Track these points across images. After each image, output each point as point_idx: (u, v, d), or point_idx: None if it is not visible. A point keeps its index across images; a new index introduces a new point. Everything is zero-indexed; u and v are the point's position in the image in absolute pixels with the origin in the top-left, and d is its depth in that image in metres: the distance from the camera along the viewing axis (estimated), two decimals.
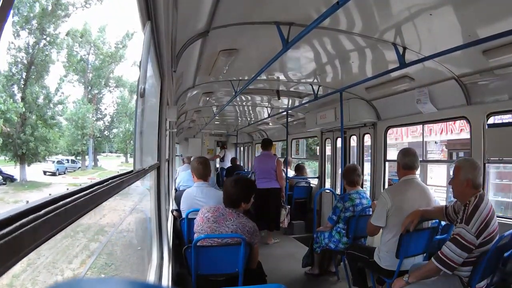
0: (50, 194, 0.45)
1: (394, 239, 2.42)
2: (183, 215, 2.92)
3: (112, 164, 37.50)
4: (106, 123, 36.86)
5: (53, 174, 27.07)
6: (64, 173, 28.64)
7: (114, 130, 37.56)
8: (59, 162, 29.39)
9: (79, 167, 32.47)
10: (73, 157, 32.92)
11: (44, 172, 26.25)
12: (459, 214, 2.06)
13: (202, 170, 3.06)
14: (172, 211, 3.54)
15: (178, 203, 3.57)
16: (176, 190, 5.09)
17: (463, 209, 2.01)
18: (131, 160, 38.67)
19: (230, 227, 2.15)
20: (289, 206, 5.27)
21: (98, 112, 36.15)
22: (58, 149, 29.27)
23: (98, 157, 38.02)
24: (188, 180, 4.86)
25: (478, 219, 1.90)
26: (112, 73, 35.69)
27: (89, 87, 34.49)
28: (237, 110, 7.27)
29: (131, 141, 36.03)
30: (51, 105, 26.20)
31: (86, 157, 33.78)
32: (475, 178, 2.02)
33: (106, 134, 36.61)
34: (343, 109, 4.09)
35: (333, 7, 1.77)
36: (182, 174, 5.38)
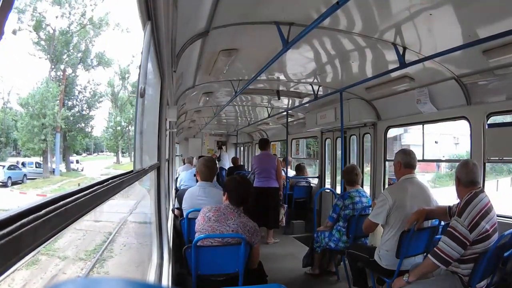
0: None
1: (394, 238, 2.43)
2: (184, 214, 2.92)
3: (99, 166, 29.44)
4: (83, 112, 26.63)
5: (4, 185, 18.57)
6: (22, 182, 20.48)
7: (95, 124, 27.65)
8: (12, 167, 20.52)
9: (49, 172, 23.29)
10: (38, 159, 23.49)
11: None
12: None
13: (208, 174, 3.07)
14: (172, 210, 3.53)
15: (180, 201, 3.57)
16: (176, 190, 5.09)
17: (457, 205, 2.09)
18: (124, 160, 32.80)
19: (231, 226, 2.15)
20: (287, 205, 5.28)
21: (70, 96, 25.64)
22: None
23: (77, 157, 29.12)
24: (189, 180, 4.87)
25: (470, 213, 1.94)
26: (91, 43, 25.32)
27: (55, 61, 23.67)
28: (237, 110, 7.26)
29: (123, 137, 30.01)
30: None
31: (52, 158, 23.89)
32: (463, 176, 2.08)
33: (81, 127, 26.53)
34: (343, 109, 4.09)
35: (333, 7, 1.77)
36: (183, 174, 5.39)
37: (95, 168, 28.63)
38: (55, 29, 23.43)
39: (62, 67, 24.36)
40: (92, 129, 28.26)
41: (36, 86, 23.05)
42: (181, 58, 2.60)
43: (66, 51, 23.98)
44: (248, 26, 2.46)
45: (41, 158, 23.54)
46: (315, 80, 4.10)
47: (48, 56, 23.49)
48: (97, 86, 27.71)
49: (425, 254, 2.57)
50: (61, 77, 24.39)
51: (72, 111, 25.94)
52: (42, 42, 23.32)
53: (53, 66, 23.78)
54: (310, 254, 3.70)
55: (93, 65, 26.48)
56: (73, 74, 25.69)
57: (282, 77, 4.14)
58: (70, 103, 26.10)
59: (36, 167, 23.01)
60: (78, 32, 24.35)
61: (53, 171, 23.64)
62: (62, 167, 25.85)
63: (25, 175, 21.28)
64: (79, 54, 25.06)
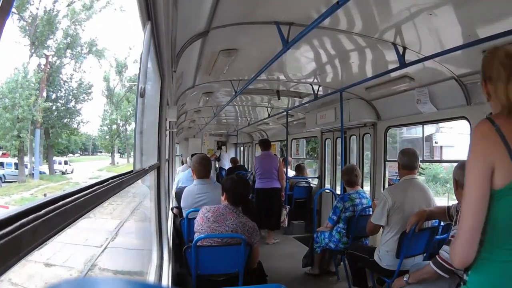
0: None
1: (394, 239, 2.43)
2: (184, 214, 2.92)
3: (90, 168, 26.31)
4: (69, 105, 22.92)
5: None
6: None
7: (84, 120, 22.99)
8: None
9: (26, 175, 19.74)
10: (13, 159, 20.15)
11: None
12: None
13: (203, 171, 3.06)
14: (172, 209, 3.53)
15: (178, 200, 3.57)
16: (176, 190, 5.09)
17: (458, 212, 2.05)
18: (121, 160, 30.85)
19: (230, 227, 2.15)
20: (289, 206, 5.29)
21: (54, 86, 21.89)
22: None
23: (67, 157, 25.85)
24: (187, 180, 4.86)
25: None
26: (80, 26, 21.48)
27: (36, 44, 19.79)
28: (237, 110, 7.27)
29: (119, 136, 27.93)
30: None
31: (31, 158, 20.36)
32: (461, 178, 2.05)
33: (65, 122, 22.83)
34: (343, 109, 4.09)
35: (333, 7, 1.77)
36: (181, 174, 5.39)
37: (86, 170, 25.73)
38: (38, 7, 19.97)
39: (45, 52, 20.31)
40: (78, 125, 24.64)
41: (13, 72, 19.33)
42: (181, 58, 2.60)
43: (50, 32, 20.25)
44: (248, 26, 2.46)
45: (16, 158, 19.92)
46: (315, 80, 4.10)
47: (28, 37, 19.49)
48: (86, 76, 24.31)
49: (425, 254, 2.57)
50: (43, 63, 20.44)
51: (56, 104, 22.08)
52: (23, 22, 19.58)
53: (33, 50, 19.84)
54: (310, 254, 3.70)
55: (83, 53, 23.00)
56: (59, 62, 21.76)
57: (282, 77, 4.14)
58: (54, 95, 22.17)
59: (15, 168, 19.75)
60: (65, 13, 20.46)
61: (32, 174, 20.26)
62: (47, 168, 22.80)
63: (1, 178, 18.47)
64: (67, 39, 21.30)
